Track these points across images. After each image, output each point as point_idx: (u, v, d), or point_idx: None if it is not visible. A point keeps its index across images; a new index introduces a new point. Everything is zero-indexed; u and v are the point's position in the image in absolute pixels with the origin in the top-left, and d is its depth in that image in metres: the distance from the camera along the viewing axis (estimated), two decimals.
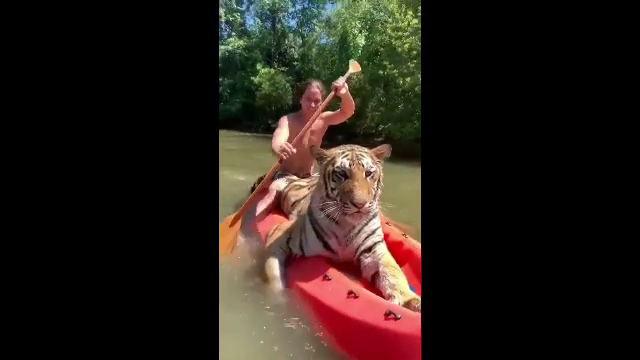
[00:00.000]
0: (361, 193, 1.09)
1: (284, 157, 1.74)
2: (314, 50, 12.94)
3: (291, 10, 15.81)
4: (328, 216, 1.18)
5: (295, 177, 2.07)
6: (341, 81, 1.86)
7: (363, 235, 1.28)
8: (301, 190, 1.84)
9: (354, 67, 2.04)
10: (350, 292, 1.02)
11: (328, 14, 13.11)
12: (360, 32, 10.37)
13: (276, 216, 1.85)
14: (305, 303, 1.15)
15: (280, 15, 15.78)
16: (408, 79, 7.22)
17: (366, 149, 1.24)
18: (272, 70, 13.89)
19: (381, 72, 8.13)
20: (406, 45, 7.24)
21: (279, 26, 15.82)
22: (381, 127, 8.36)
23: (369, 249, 1.28)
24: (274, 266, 1.31)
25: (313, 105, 1.98)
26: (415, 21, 7.15)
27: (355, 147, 1.22)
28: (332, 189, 1.18)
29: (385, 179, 1.26)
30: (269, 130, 11.15)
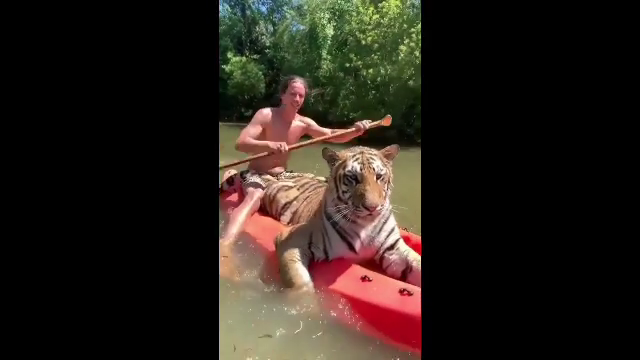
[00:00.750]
0: (373, 197, 1.13)
1: (275, 152, 1.81)
2: (285, 38, 12.97)
3: None
4: (344, 217, 1.23)
5: (270, 177, 2.03)
6: (366, 125, 1.97)
7: (384, 234, 1.33)
8: (290, 191, 1.81)
9: (386, 121, 2.13)
10: (403, 290, 1.05)
11: (299, 0, 13.18)
12: (329, 22, 10.66)
13: (266, 219, 1.80)
14: (348, 306, 1.13)
15: (250, 1, 15.64)
16: (371, 70, 7.77)
17: (375, 151, 1.28)
18: (244, 58, 13.89)
19: (347, 64, 8.59)
20: (369, 38, 7.75)
21: (249, 12, 15.68)
22: (352, 115, 8.84)
23: (392, 246, 1.32)
24: (302, 272, 1.26)
25: (298, 99, 1.98)
26: (376, 16, 7.65)
27: (365, 150, 1.26)
28: (344, 192, 1.22)
29: None
30: (243, 119, 11.26)
